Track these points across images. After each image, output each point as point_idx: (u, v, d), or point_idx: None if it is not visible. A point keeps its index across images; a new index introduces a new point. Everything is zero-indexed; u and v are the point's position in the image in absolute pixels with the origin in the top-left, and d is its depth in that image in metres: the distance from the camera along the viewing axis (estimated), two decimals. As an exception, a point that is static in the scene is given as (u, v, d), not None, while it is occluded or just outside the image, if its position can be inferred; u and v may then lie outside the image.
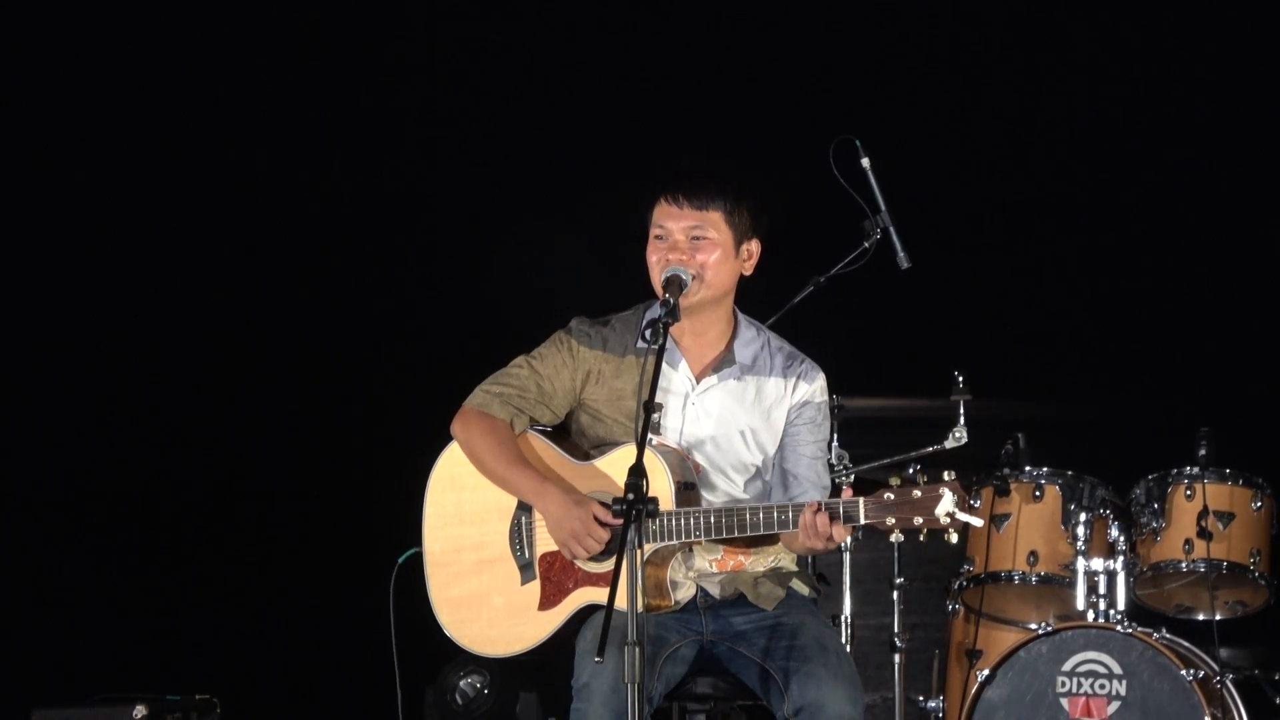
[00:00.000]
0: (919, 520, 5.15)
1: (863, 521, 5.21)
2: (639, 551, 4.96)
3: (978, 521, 5.23)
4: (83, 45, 7.96)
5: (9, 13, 7.85)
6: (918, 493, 5.16)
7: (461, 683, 6.98)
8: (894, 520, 5.17)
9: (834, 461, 6.79)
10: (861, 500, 5.20)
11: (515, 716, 6.98)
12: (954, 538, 5.18)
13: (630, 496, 4.97)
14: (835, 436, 6.80)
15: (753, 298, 5.68)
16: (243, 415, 8.07)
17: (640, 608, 4.91)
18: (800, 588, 5.57)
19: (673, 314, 5.31)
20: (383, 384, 8.06)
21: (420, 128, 8.23)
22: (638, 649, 4.89)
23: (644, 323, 5.46)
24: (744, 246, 5.49)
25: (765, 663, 5.39)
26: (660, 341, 5.24)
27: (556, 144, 8.07)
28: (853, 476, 6.77)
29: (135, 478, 7.99)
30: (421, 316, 8.20)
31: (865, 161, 6.46)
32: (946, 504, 5.14)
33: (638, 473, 5.00)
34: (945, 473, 5.17)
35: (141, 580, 7.96)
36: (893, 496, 5.17)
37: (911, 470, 6.81)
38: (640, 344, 5.46)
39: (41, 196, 7.94)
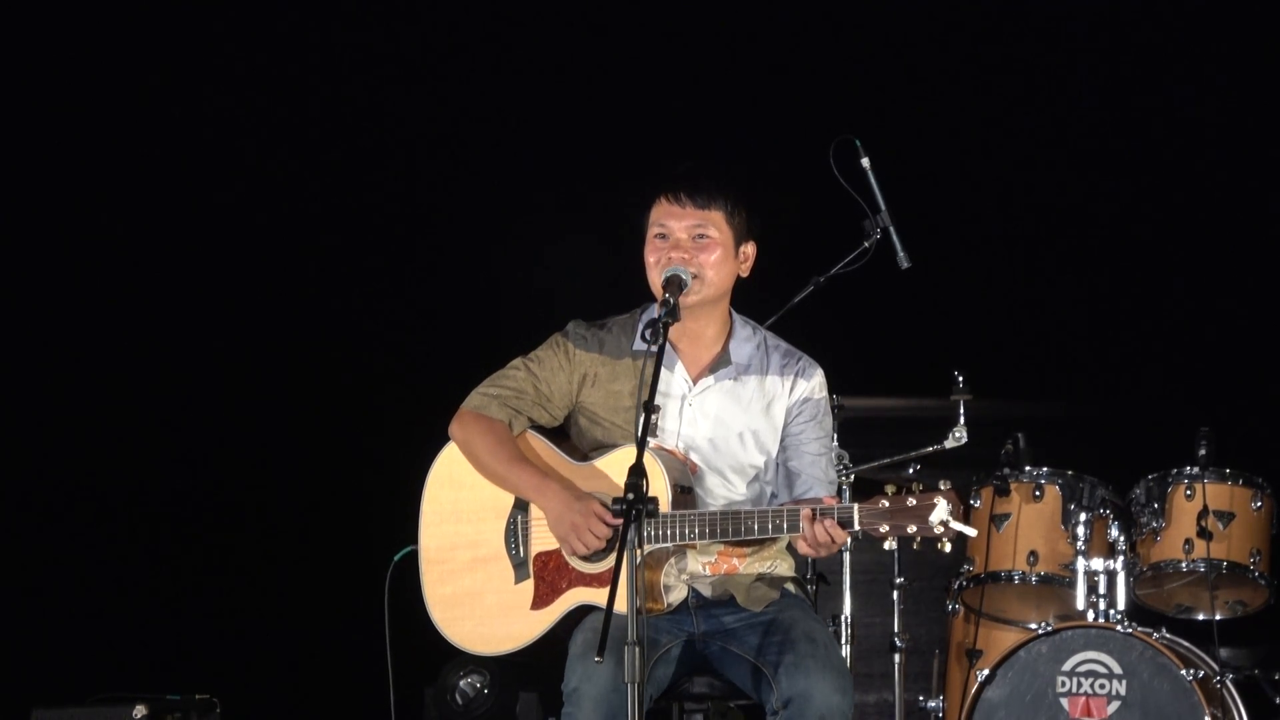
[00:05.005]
0: (913, 528, 5.15)
1: (857, 527, 5.20)
2: (638, 551, 4.96)
3: (971, 531, 5.22)
4: (82, 45, 7.96)
5: (12, 13, 7.86)
6: (913, 500, 5.15)
7: (461, 683, 6.99)
8: (888, 528, 5.17)
9: (834, 461, 6.79)
10: (856, 506, 5.20)
11: (515, 716, 6.98)
12: (947, 546, 5.18)
13: (630, 496, 4.97)
14: (836, 437, 6.79)
15: (753, 298, 5.67)
16: (242, 416, 8.06)
17: (639, 607, 4.90)
18: (794, 590, 5.55)
19: (673, 314, 5.29)
20: (382, 385, 8.05)
21: (416, 128, 8.21)
22: (638, 649, 4.88)
23: (643, 324, 5.45)
24: (742, 248, 5.48)
25: (756, 659, 5.37)
26: (660, 341, 5.23)
27: (554, 144, 8.06)
28: (853, 476, 6.77)
29: (135, 478, 7.99)
30: (421, 317, 8.19)
31: (865, 161, 6.46)
32: (941, 512, 5.13)
33: (638, 472, 4.99)
34: (941, 481, 5.17)
35: (141, 580, 7.96)
36: (888, 504, 5.17)
37: (911, 470, 6.82)
38: (637, 346, 5.46)
39: (46, 199, 7.94)
